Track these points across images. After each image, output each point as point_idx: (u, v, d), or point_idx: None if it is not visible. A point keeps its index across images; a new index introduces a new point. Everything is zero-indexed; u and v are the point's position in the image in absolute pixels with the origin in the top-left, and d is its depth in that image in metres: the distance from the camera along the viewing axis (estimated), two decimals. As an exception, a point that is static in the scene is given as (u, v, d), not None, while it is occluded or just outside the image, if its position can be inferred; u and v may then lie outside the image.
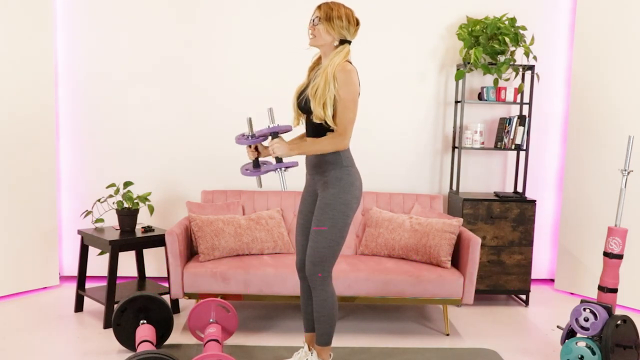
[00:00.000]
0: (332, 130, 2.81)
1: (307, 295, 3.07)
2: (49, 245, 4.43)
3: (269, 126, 2.75)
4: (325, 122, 2.79)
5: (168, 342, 3.48)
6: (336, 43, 2.82)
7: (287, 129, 2.80)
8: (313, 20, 2.82)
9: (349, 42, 2.85)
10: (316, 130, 2.86)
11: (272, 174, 3.09)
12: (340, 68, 2.76)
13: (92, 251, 4.46)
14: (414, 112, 4.71)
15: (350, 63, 2.82)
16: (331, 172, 2.84)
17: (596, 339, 3.15)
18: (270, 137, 2.77)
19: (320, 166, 2.87)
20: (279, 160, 2.75)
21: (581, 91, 4.58)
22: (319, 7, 2.83)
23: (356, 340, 3.63)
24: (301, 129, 3.09)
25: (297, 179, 4.57)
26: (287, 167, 2.74)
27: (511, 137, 4.47)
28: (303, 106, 2.86)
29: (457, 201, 4.42)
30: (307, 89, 2.84)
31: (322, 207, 2.85)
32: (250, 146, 2.83)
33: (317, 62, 2.99)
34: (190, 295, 3.67)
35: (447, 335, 3.78)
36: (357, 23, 2.86)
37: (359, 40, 4.55)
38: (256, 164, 2.81)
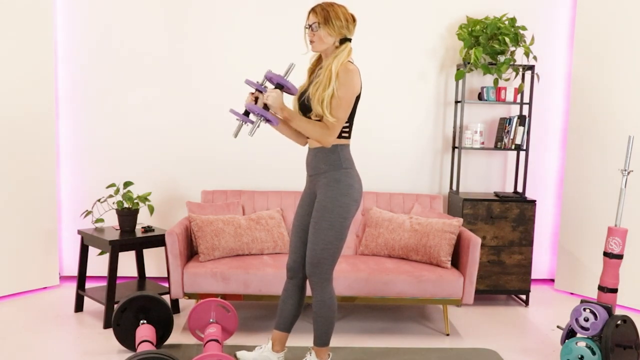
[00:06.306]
0: None
1: (288, 294, 3.03)
2: (49, 245, 4.43)
3: (282, 76, 2.75)
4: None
5: (168, 342, 3.48)
6: (337, 43, 2.80)
7: (294, 93, 2.80)
8: (311, 26, 2.77)
9: (349, 40, 2.82)
10: None
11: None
12: (343, 67, 2.74)
13: (92, 251, 4.46)
14: (414, 112, 4.71)
15: (352, 63, 2.80)
16: (329, 174, 2.82)
17: (596, 339, 3.15)
18: (273, 86, 2.78)
19: (319, 167, 2.86)
20: (266, 108, 2.74)
21: (581, 91, 4.58)
22: (314, 11, 2.78)
23: (356, 340, 3.62)
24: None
25: (297, 179, 4.58)
26: (266, 120, 2.71)
27: (511, 137, 4.47)
28: (305, 105, 2.83)
29: (457, 201, 4.42)
30: (309, 89, 2.81)
31: (319, 209, 2.82)
32: (253, 93, 2.80)
33: (316, 64, 2.95)
34: (190, 295, 3.67)
35: (447, 335, 3.78)
36: (354, 19, 2.83)
37: (359, 40, 4.57)
38: (246, 113, 2.79)
